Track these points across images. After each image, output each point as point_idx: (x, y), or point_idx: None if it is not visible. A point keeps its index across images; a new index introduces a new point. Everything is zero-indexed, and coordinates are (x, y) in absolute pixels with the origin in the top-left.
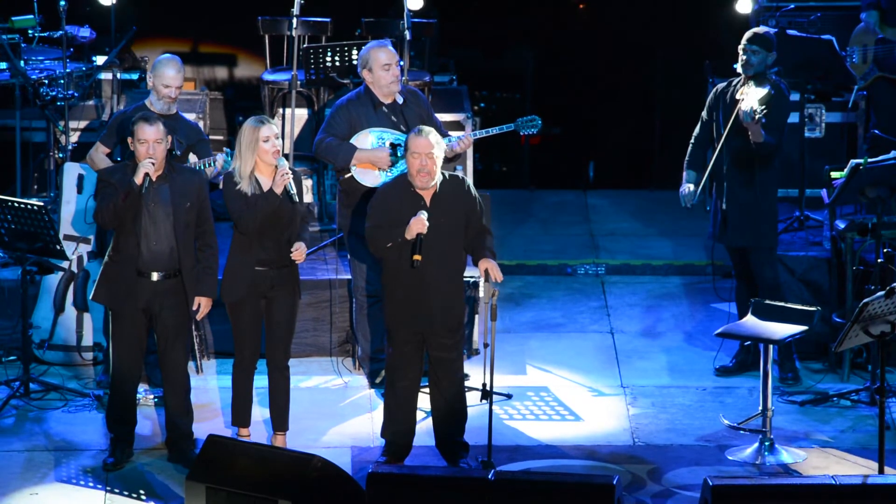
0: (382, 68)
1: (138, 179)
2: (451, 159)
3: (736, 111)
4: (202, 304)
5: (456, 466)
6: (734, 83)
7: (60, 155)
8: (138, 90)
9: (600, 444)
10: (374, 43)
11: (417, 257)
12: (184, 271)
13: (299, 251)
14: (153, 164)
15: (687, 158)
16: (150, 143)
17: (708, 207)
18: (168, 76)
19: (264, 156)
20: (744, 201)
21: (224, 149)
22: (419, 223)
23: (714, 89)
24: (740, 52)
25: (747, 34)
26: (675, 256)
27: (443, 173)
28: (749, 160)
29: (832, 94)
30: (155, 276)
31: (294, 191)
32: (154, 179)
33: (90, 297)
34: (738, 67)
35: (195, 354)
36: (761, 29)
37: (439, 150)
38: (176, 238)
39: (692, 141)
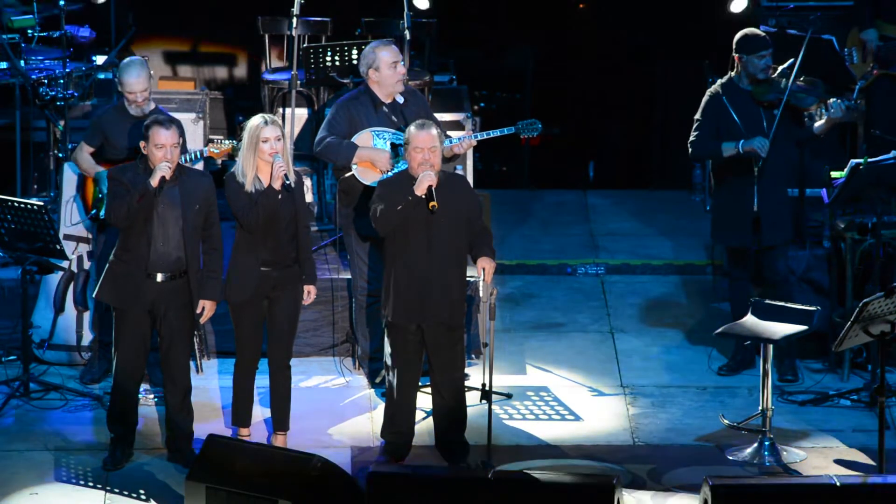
0: (390, 67)
1: (154, 182)
2: (451, 160)
3: (784, 107)
4: (206, 308)
5: (456, 466)
6: (727, 85)
7: (60, 155)
8: None
9: (600, 444)
10: (377, 42)
11: (434, 204)
12: (190, 273)
13: (310, 295)
14: (170, 167)
15: (703, 146)
16: (168, 147)
17: (708, 207)
18: (129, 83)
19: (263, 156)
20: (780, 199)
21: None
22: (428, 177)
23: (711, 93)
24: (761, 63)
25: (757, 44)
26: (675, 256)
27: (443, 172)
28: (786, 158)
29: (832, 95)
30: (160, 277)
31: (290, 181)
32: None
33: (93, 295)
34: (759, 74)
35: (195, 354)
36: (756, 32)
37: (440, 144)
38: (184, 240)
39: (696, 141)
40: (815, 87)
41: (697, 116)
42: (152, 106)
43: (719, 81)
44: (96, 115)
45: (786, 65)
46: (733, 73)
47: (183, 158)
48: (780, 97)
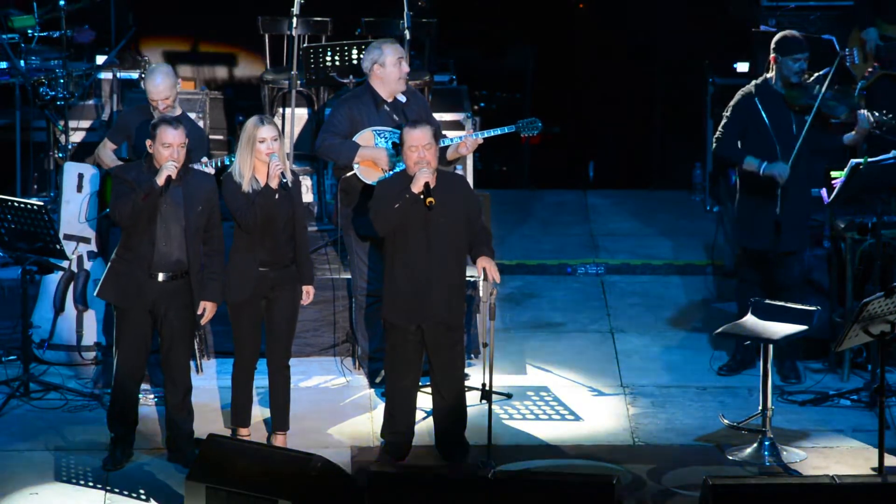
0: (395, 63)
1: (160, 181)
2: (456, 161)
3: (811, 114)
4: (207, 309)
5: (456, 466)
6: (762, 85)
7: (60, 155)
8: (138, 89)
9: (600, 444)
10: (383, 40)
11: (431, 200)
12: (191, 274)
13: (308, 296)
14: (176, 166)
15: (727, 147)
16: (175, 146)
17: (708, 207)
18: (150, 90)
19: (260, 156)
20: (800, 204)
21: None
22: (425, 174)
23: (744, 93)
24: (795, 67)
25: (792, 47)
26: (675, 256)
27: (442, 171)
28: (809, 164)
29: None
30: (161, 277)
31: (287, 179)
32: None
33: (95, 294)
34: (793, 78)
35: (196, 354)
36: (793, 34)
37: (434, 141)
38: (186, 241)
39: (721, 140)
40: (847, 97)
41: (726, 113)
42: (178, 111)
43: (754, 82)
44: (122, 113)
45: (822, 72)
46: (769, 75)
47: (211, 163)
48: (811, 103)
